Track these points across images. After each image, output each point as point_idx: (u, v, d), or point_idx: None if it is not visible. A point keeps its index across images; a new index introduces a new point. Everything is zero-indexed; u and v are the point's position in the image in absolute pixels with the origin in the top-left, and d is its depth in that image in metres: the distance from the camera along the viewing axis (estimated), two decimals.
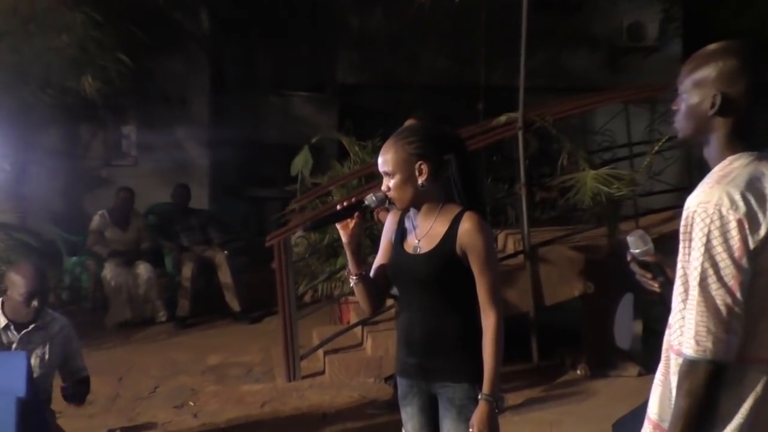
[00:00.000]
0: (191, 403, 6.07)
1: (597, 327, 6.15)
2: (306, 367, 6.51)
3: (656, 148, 6.13)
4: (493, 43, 9.92)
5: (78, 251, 8.78)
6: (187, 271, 8.36)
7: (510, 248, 6.66)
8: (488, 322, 2.82)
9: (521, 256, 6.26)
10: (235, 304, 8.39)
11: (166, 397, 6.20)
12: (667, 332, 2.16)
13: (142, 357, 7.22)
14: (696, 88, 2.11)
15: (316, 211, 6.90)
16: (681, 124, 2.17)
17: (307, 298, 7.68)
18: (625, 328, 5.89)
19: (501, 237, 6.88)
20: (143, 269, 8.33)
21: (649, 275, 2.31)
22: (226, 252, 8.59)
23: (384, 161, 2.89)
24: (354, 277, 2.97)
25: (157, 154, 10.57)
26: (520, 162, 6.21)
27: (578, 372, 6.18)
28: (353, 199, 2.97)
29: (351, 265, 2.96)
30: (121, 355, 7.30)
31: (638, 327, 6.07)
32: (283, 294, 6.38)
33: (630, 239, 2.30)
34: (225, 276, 8.43)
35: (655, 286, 2.31)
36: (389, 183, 2.89)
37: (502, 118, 6.48)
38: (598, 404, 5.57)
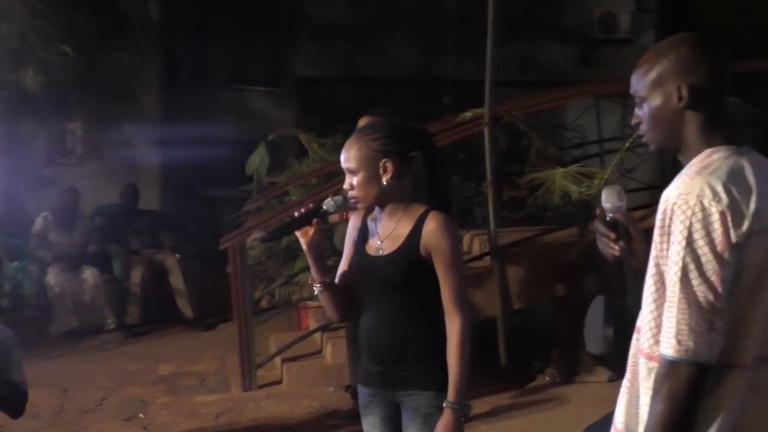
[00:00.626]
0: (141, 416, 6.03)
1: (567, 331, 6.20)
2: (263, 376, 6.50)
3: (628, 144, 6.19)
4: (460, 34, 9.97)
5: (19, 256, 8.68)
6: (137, 276, 8.32)
7: (476, 249, 6.70)
8: (453, 327, 2.83)
9: (488, 258, 6.30)
10: (187, 311, 8.36)
11: (115, 410, 6.16)
12: (635, 335, 2.14)
13: (89, 367, 7.17)
14: (656, 88, 2.09)
15: (272, 212, 6.88)
16: (650, 134, 2.15)
17: (264, 303, 7.68)
18: (596, 332, 5.90)
19: (467, 238, 6.92)
20: (90, 274, 8.27)
21: (612, 236, 2.26)
22: (177, 255, 8.56)
23: (347, 158, 2.90)
24: (318, 285, 2.95)
25: (104, 152, 10.49)
26: (487, 159, 6.24)
27: (548, 378, 6.23)
28: (311, 205, 2.96)
29: (314, 273, 2.95)
30: (66, 365, 7.25)
31: (609, 331, 6.11)
32: (239, 299, 6.37)
33: (605, 191, 2.27)
34: (177, 281, 8.40)
35: (615, 249, 2.26)
36: (352, 181, 2.89)
37: (469, 114, 6.51)
38: (568, 411, 5.63)
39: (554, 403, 5.86)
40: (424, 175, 2.90)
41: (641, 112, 2.15)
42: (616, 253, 2.27)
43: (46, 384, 6.28)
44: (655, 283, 2.02)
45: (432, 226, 2.82)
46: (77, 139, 10.70)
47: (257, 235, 6.90)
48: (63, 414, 6.11)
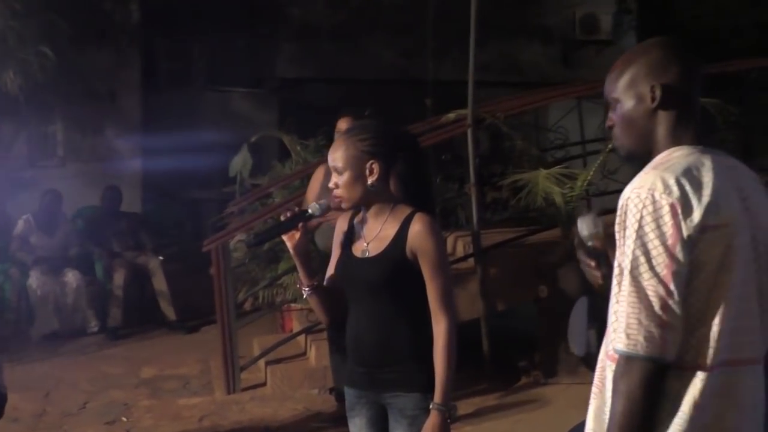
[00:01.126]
0: (124, 419, 6.02)
1: (551, 332, 6.24)
2: (246, 379, 6.51)
3: (610, 145, 6.23)
4: (441, 35, 10.01)
5: (1, 258, 8.64)
6: (119, 278, 8.29)
7: (460, 251, 6.73)
8: (440, 328, 2.85)
9: (471, 260, 6.33)
10: (170, 313, 8.35)
11: (97, 414, 6.14)
12: (605, 339, 2.13)
13: (71, 371, 7.15)
14: (630, 89, 2.12)
15: (255, 214, 6.89)
16: (623, 135, 2.17)
17: (248, 305, 7.68)
18: (580, 333, 5.97)
19: (450, 239, 6.94)
20: (71, 277, 8.24)
21: (593, 263, 2.28)
22: (160, 258, 8.55)
23: (334, 158, 2.92)
24: (307, 289, 2.98)
25: (85, 154, 10.47)
26: (470, 161, 6.27)
27: (531, 379, 6.27)
28: (296, 209, 2.99)
29: (302, 277, 2.98)
30: (48, 369, 7.22)
31: (592, 332, 6.17)
32: (222, 302, 6.37)
33: (580, 220, 2.28)
34: (159, 283, 8.39)
35: (598, 276, 2.28)
36: (338, 180, 2.92)
37: (451, 115, 6.55)
38: (552, 412, 5.66)
39: (538, 404, 5.89)
40: (408, 177, 2.93)
41: (614, 115, 2.17)
42: (599, 281, 2.28)
43: (27, 387, 6.26)
44: (619, 284, 1.99)
45: (418, 228, 2.84)
46: (58, 141, 10.68)
47: (241, 237, 6.91)
48: (45, 418, 6.09)
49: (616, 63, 2.18)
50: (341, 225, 3.08)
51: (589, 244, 2.28)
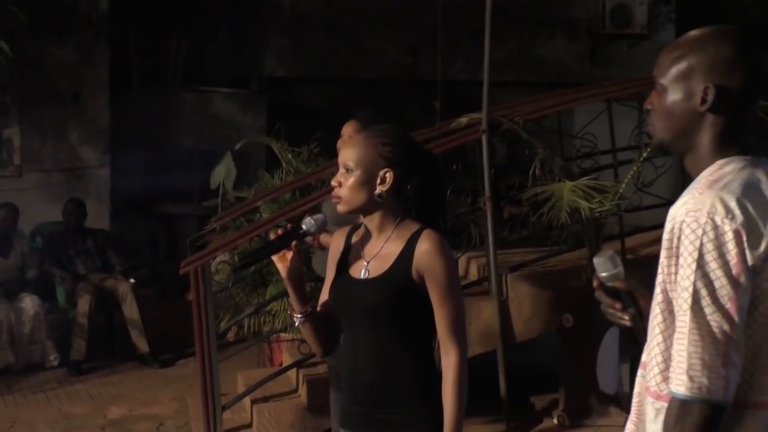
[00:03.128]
0: None
1: (577, 367, 6.25)
2: (229, 420, 6.50)
3: (645, 154, 6.25)
4: (452, 29, 10.03)
5: None
6: (84, 304, 8.29)
7: (473, 274, 6.73)
8: (449, 361, 2.86)
9: (486, 284, 6.34)
10: (142, 345, 8.35)
11: None
12: (640, 372, 2.14)
13: (28, 410, 7.15)
14: (681, 81, 2.12)
15: (240, 232, 6.91)
16: (659, 125, 2.17)
17: (231, 336, 7.69)
18: (610, 368, 5.98)
19: (463, 260, 6.95)
20: (29, 303, 8.25)
21: (618, 305, 2.28)
22: (131, 281, 8.55)
23: (348, 154, 2.94)
24: (299, 316, 2.99)
25: (45, 163, 10.50)
26: (484, 171, 6.29)
27: (555, 420, 6.27)
28: (288, 226, 2.99)
29: (294, 302, 2.98)
30: (1, 408, 7.22)
31: (625, 367, 6.18)
32: (201, 331, 6.37)
33: (597, 261, 2.29)
34: (130, 310, 8.39)
35: (625, 320, 2.27)
36: (343, 179, 2.94)
37: (463, 120, 6.56)
38: None
39: None
40: (420, 194, 2.95)
41: (655, 101, 2.18)
42: (627, 324, 2.28)
43: None
44: (662, 311, 2.02)
45: (426, 246, 2.85)
46: (14, 147, 10.68)
47: (223, 257, 6.92)
48: None
49: (678, 41, 2.17)
50: (337, 241, 3.09)
51: (610, 285, 2.30)
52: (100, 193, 10.65)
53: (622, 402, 6.16)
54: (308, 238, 5.09)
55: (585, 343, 6.17)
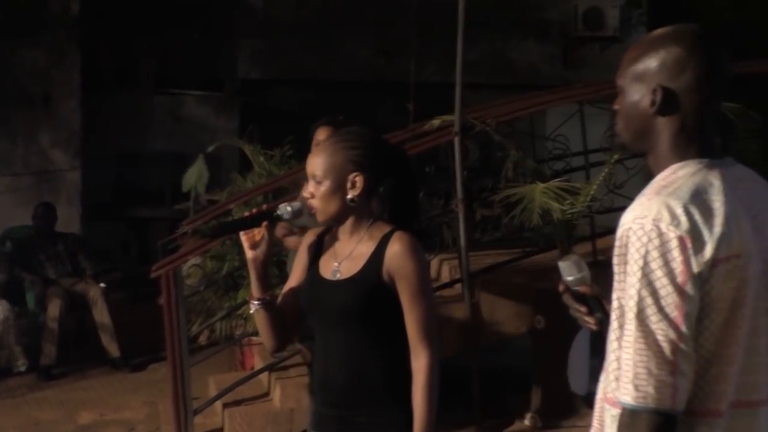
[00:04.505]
0: None
1: (548, 368, 6.25)
2: (201, 424, 6.47)
3: (616, 156, 6.27)
4: (425, 31, 10.04)
5: None
6: (54, 309, 8.24)
7: (445, 276, 6.74)
8: (420, 364, 2.85)
9: (458, 286, 6.34)
10: (113, 349, 8.30)
11: None
12: (602, 377, 2.15)
13: None
14: (636, 82, 2.12)
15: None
16: (621, 128, 2.18)
17: (202, 339, 7.65)
18: (582, 369, 5.97)
19: (435, 262, 6.95)
20: None
21: (583, 309, 2.29)
22: (102, 285, 8.51)
23: (314, 164, 2.94)
24: (256, 302, 2.98)
25: (15, 166, 10.42)
26: (457, 173, 6.29)
27: (527, 422, 6.28)
28: (264, 206, 2.99)
29: (254, 287, 2.98)
30: None
31: (596, 368, 6.17)
32: (173, 335, 6.34)
33: (562, 265, 2.30)
34: (101, 314, 8.34)
35: (591, 323, 2.29)
36: (314, 190, 2.93)
37: (436, 122, 6.56)
38: None
39: None
40: (393, 195, 2.94)
41: (620, 102, 2.18)
42: (594, 327, 2.30)
43: None
44: (618, 318, 2.01)
45: (397, 248, 2.85)
46: None
47: (195, 261, 6.88)
48: None
49: (638, 43, 2.18)
50: (308, 239, 3.09)
51: (576, 289, 2.30)
52: (70, 197, 10.58)
53: (593, 402, 6.16)
54: (280, 235, 5.08)
55: (557, 344, 6.14)
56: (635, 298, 1.94)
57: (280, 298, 3.06)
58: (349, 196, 2.90)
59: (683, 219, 1.94)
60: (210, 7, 11.75)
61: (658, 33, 2.15)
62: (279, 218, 2.96)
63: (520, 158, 6.34)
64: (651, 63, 2.09)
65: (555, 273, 6.15)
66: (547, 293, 6.25)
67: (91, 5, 10.81)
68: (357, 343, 2.90)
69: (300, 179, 5.41)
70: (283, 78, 11.79)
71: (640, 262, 1.93)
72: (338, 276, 2.93)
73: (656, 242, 1.93)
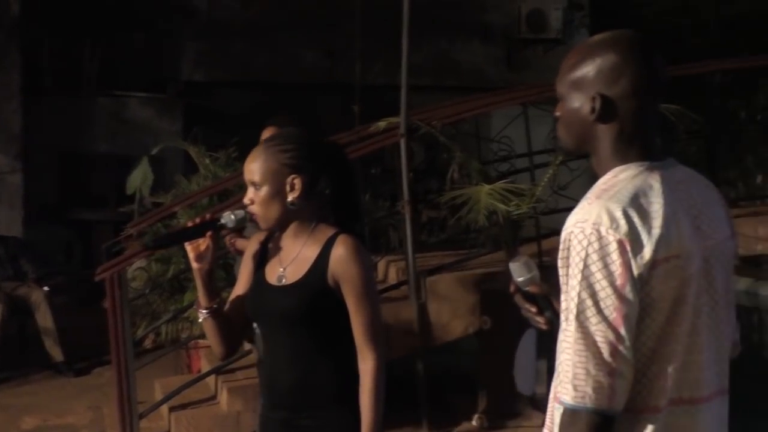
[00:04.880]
0: None
1: (495, 369, 6.29)
2: (147, 428, 6.43)
3: (560, 157, 6.32)
4: (370, 33, 10.07)
5: None
6: None
7: (392, 277, 6.75)
8: (366, 366, 2.86)
9: (405, 287, 6.36)
10: (56, 353, 8.21)
11: None
12: (554, 378, 2.15)
13: None
14: (575, 90, 2.14)
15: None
16: (562, 133, 2.21)
17: (148, 343, 7.60)
18: (528, 369, 6.03)
19: (382, 264, 6.97)
20: None
21: (534, 309, 2.31)
22: (44, 289, 8.41)
23: (250, 170, 2.91)
24: (204, 311, 2.96)
25: None
26: (403, 175, 6.31)
27: (474, 423, 6.30)
28: (207, 216, 2.98)
29: (201, 296, 2.96)
30: None
31: (542, 368, 6.23)
32: (117, 339, 6.29)
33: (512, 266, 2.32)
34: (44, 319, 8.24)
35: (542, 323, 2.30)
36: (254, 196, 2.92)
37: (382, 124, 6.58)
38: None
39: None
40: (334, 195, 2.94)
41: (560, 108, 2.20)
42: (544, 327, 2.31)
43: None
44: (566, 320, 2.02)
45: (341, 252, 2.85)
46: None
47: (139, 264, 6.84)
48: None
49: (575, 50, 2.19)
50: (253, 246, 3.08)
51: (526, 289, 2.33)
52: (12, 200, 10.46)
53: (539, 403, 6.22)
54: (227, 238, 5.07)
55: (503, 345, 6.20)
56: (575, 300, 1.96)
57: (227, 305, 3.05)
58: (289, 200, 2.88)
59: (622, 222, 1.96)
60: (153, 8, 11.67)
61: (595, 40, 2.18)
62: (223, 227, 2.94)
63: (466, 160, 6.37)
64: (588, 70, 2.11)
65: (501, 274, 6.22)
66: (493, 294, 6.32)
67: (33, 6, 10.69)
68: (303, 347, 2.90)
69: (245, 182, 5.42)
70: (227, 80, 11.75)
71: (581, 266, 1.96)
72: (284, 281, 2.93)
73: (596, 246, 1.96)
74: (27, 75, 10.85)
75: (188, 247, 2.93)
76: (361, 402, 2.84)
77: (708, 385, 2.09)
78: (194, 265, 2.93)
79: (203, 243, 2.91)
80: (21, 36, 10.59)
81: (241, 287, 3.06)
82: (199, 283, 2.95)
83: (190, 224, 2.96)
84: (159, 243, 3.34)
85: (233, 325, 3.02)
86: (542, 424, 2.24)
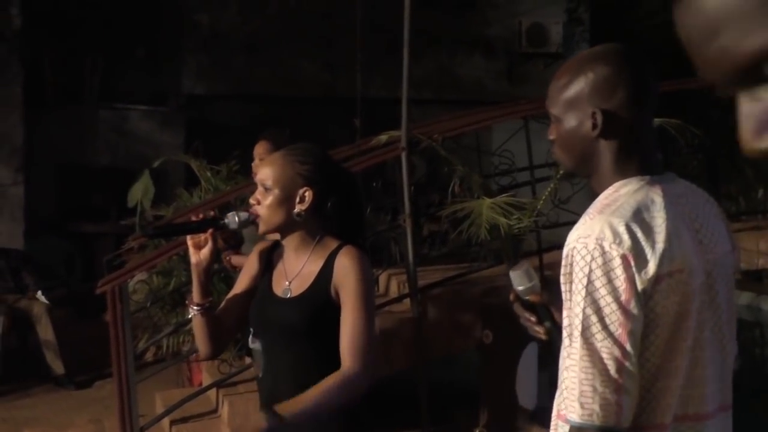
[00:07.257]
0: None
1: (496, 383, 6.28)
2: None
3: (562, 171, 6.32)
4: (371, 46, 10.07)
5: None
6: None
7: (393, 291, 6.75)
8: (339, 371, 2.79)
9: (407, 301, 6.35)
10: (57, 366, 8.20)
11: None
12: (556, 395, 2.15)
13: None
14: (571, 109, 2.12)
15: (158, 250, 6.83)
16: (561, 154, 2.20)
17: (149, 356, 7.59)
18: (529, 384, 6.02)
19: (383, 278, 6.97)
20: None
21: (533, 319, 2.30)
22: (46, 302, 8.41)
23: (266, 172, 2.95)
24: (195, 308, 2.97)
25: None
26: (404, 189, 6.31)
27: None
28: (211, 214, 2.99)
29: (195, 292, 2.98)
30: None
31: (544, 382, 6.22)
32: (119, 352, 6.28)
33: (513, 274, 2.31)
34: (45, 331, 8.24)
35: (541, 333, 2.29)
36: (261, 198, 2.93)
37: (383, 137, 6.59)
38: None
39: None
40: (339, 215, 2.96)
41: (554, 130, 2.19)
42: (543, 337, 2.30)
43: None
44: (569, 337, 2.02)
45: (345, 261, 2.87)
46: None
47: (141, 276, 6.83)
48: None
49: (562, 68, 2.18)
50: (257, 257, 3.09)
51: (526, 298, 2.32)
52: (13, 212, 10.46)
53: (541, 417, 6.20)
54: (223, 255, 5.06)
55: (505, 359, 6.20)
56: (580, 316, 1.95)
57: (222, 305, 3.08)
58: (296, 210, 2.90)
59: (626, 237, 1.95)
60: (155, 22, 11.69)
61: (583, 56, 2.18)
62: (225, 227, 2.96)
63: (467, 173, 6.37)
64: (582, 87, 2.10)
65: (503, 288, 6.21)
66: (494, 308, 6.31)
67: (35, 19, 10.70)
68: (305, 360, 2.90)
69: (247, 195, 5.42)
70: (228, 93, 11.76)
71: (584, 281, 1.95)
72: (289, 294, 2.94)
73: (599, 261, 1.95)
74: (29, 88, 10.85)
75: (190, 243, 2.96)
76: (314, 388, 2.77)
77: (712, 400, 2.09)
78: (193, 257, 2.94)
79: (204, 238, 2.94)
80: (23, 49, 10.60)
81: (239, 289, 3.09)
82: (194, 278, 2.97)
83: (193, 218, 2.97)
84: (160, 231, 3.36)
85: (223, 327, 3.04)
86: None
